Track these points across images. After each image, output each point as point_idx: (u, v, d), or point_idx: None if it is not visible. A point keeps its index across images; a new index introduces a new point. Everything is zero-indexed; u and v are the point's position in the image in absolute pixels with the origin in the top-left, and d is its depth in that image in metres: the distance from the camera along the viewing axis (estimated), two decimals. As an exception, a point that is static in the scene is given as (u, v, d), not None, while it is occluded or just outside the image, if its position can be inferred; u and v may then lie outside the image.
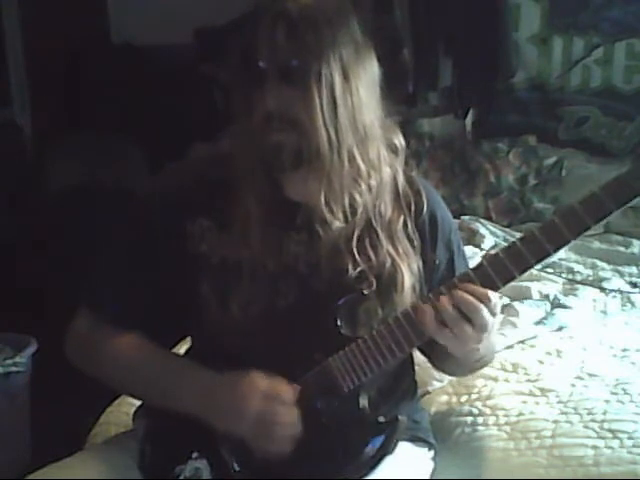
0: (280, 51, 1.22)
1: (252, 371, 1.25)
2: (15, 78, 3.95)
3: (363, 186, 1.31)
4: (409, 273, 1.33)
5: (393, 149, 1.36)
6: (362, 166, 1.29)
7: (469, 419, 1.65)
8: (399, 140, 1.36)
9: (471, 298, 1.19)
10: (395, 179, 1.37)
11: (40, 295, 3.14)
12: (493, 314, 1.21)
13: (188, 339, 1.53)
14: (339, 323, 1.27)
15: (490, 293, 1.20)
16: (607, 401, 1.66)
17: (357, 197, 1.31)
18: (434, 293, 1.23)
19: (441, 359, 1.44)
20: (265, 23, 1.23)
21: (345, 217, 1.31)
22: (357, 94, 1.26)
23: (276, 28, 1.22)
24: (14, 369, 2.48)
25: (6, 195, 3.65)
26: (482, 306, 1.19)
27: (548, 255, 1.20)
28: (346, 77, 1.24)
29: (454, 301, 1.19)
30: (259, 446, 1.25)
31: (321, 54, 1.22)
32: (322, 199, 1.28)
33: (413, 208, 1.37)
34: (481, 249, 2.82)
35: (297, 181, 1.31)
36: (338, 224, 1.30)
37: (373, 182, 1.32)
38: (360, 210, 1.31)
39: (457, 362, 1.35)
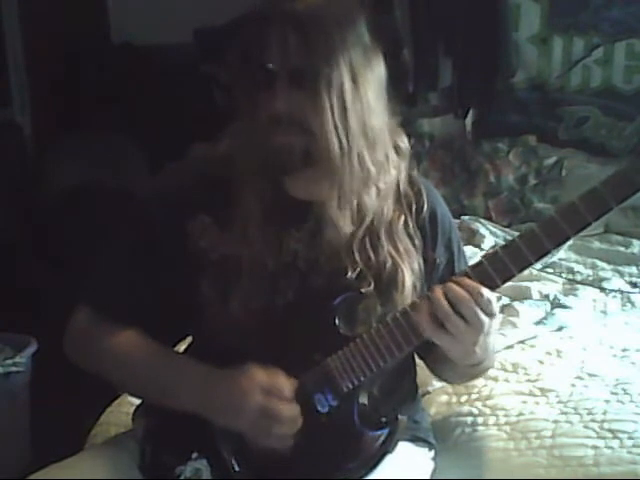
0: (290, 53, 1.21)
1: (250, 366, 1.25)
2: (15, 78, 3.95)
3: (373, 189, 1.31)
4: (410, 272, 1.32)
5: (399, 151, 1.36)
6: (372, 169, 1.28)
7: (469, 419, 1.65)
8: (404, 142, 1.36)
9: (460, 289, 1.18)
10: (398, 180, 1.36)
11: (40, 295, 3.14)
12: (489, 314, 1.19)
13: (188, 338, 1.53)
14: (337, 322, 1.27)
15: (483, 289, 1.19)
16: (607, 401, 1.66)
17: (366, 200, 1.30)
18: (431, 291, 1.23)
19: (439, 364, 1.43)
20: (274, 24, 1.22)
21: (352, 220, 1.30)
22: (366, 97, 1.25)
23: (285, 29, 1.21)
24: (14, 369, 2.48)
25: (6, 195, 3.65)
26: (472, 300, 1.17)
27: (548, 252, 1.20)
28: (355, 80, 1.24)
29: (445, 292, 1.18)
30: (259, 442, 1.25)
31: (331, 57, 1.21)
32: (334, 203, 1.28)
33: (414, 207, 1.36)
34: (481, 249, 2.82)
35: (304, 181, 1.31)
36: (348, 228, 1.29)
37: (382, 185, 1.32)
38: (369, 213, 1.31)
39: (455, 367, 1.34)
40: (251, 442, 1.26)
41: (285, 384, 1.24)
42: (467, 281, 1.19)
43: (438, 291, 1.19)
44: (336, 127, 1.23)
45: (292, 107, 1.22)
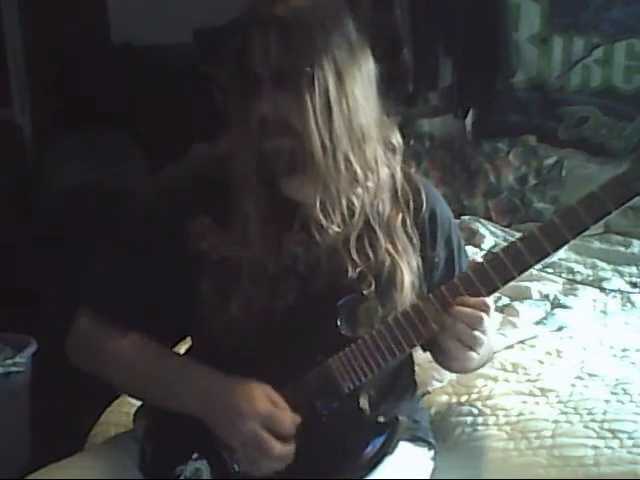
0: (272, 56, 1.22)
1: (254, 383, 1.24)
2: (15, 78, 3.94)
3: (360, 189, 1.31)
4: (408, 271, 1.33)
5: (391, 148, 1.35)
6: (358, 170, 1.29)
7: (469, 419, 1.65)
8: (397, 138, 1.36)
9: (475, 312, 1.21)
10: (393, 177, 1.36)
11: (40, 295, 3.14)
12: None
13: (188, 339, 1.53)
14: (339, 324, 1.27)
15: (487, 300, 1.22)
16: (607, 401, 1.66)
17: (354, 200, 1.31)
18: (435, 294, 1.24)
19: (442, 356, 1.44)
20: (257, 28, 1.23)
21: (343, 220, 1.30)
22: (352, 96, 1.25)
23: (268, 33, 1.22)
24: (14, 369, 2.48)
25: (6, 195, 3.65)
26: (485, 316, 1.22)
27: (547, 255, 1.21)
28: (340, 80, 1.24)
29: (461, 318, 1.21)
30: (244, 464, 1.24)
31: (314, 58, 1.22)
32: (317, 204, 1.28)
33: (412, 206, 1.37)
34: (481, 249, 2.82)
35: (295, 183, 1.31)
36: (335, 228, 1.30)
37: (370, 184, 1.32)
38: (358, 212, 1.31)
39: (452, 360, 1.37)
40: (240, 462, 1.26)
41: (287, 420, 1.23)
42: (474, 300, 1.22)
43: (450, 320, 1.22)
44: (319, 128, 1.23)
45: (278, 110, 1.23)
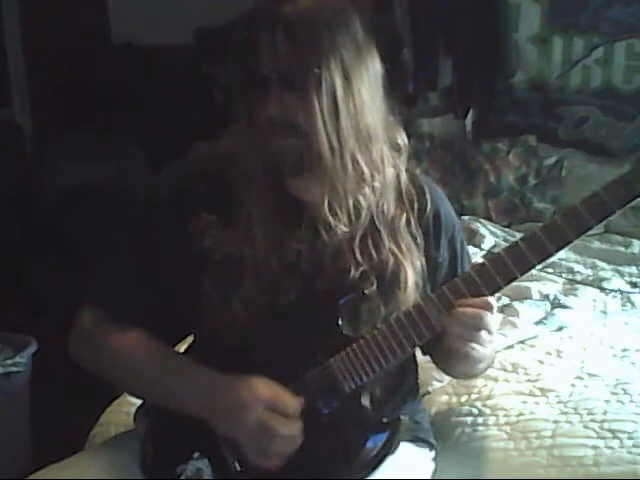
0: (279, 57, 1.22)
1: (254, 377, 1.24)
2: (15, 78, 3.95)
3: (367, 189, 1.31)
4: (412, 271, 1.33)
5: (396, 148, 1.36)
6: (365, 169, 1.29)
7: (469, 419, 1.65)
8: (402, 139, 1.36)
9: (478, 311, 1.21)
10: (398, 178, 1.36)
11: (40, 295, 3.14)
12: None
13: (189, 338, 1.53)
14: (340, 323, 1.27)
15: (491, 300, 1.22)
16: (607, 401, 1.66)
17: (361, 200, 1.31)
18: (438, 294, 1.24)
19: (443, 359, 1.44)
20: (263, 28, 1.22)
21: (349, 220, 1.31)
22: (359, 96, 1.25)
23: (275, 34, 1.21)
24: (14, 369, 2.48)
25: (6, 195, 3.65)
26: (488, 314, 1.21)
27: (550, 255, 1.21)
28: (347, 80, 1.24)
29: (462, 319, 1.21)
30: (253, 456, 1.24)
31: (321, 58, 1.21)
32: (325, 204, 1.28)
33: (416, 206, 1.37)
34: (481, 249, 2.82)
35: (302, 183, 1.31)
36: (342, 228, 1.30)
37: (377, 184, 1.32)
38: (364, 212, 1.31)
39: (458, 362, 1.36)
40: (247, 456, 1.25)
41: (290, 401, 1.23)
42: (475, 300, 1.22)
43: (453, 321, 1.22)
44: (326, 128, 1.23)
45: (285, 110, 1.23)
